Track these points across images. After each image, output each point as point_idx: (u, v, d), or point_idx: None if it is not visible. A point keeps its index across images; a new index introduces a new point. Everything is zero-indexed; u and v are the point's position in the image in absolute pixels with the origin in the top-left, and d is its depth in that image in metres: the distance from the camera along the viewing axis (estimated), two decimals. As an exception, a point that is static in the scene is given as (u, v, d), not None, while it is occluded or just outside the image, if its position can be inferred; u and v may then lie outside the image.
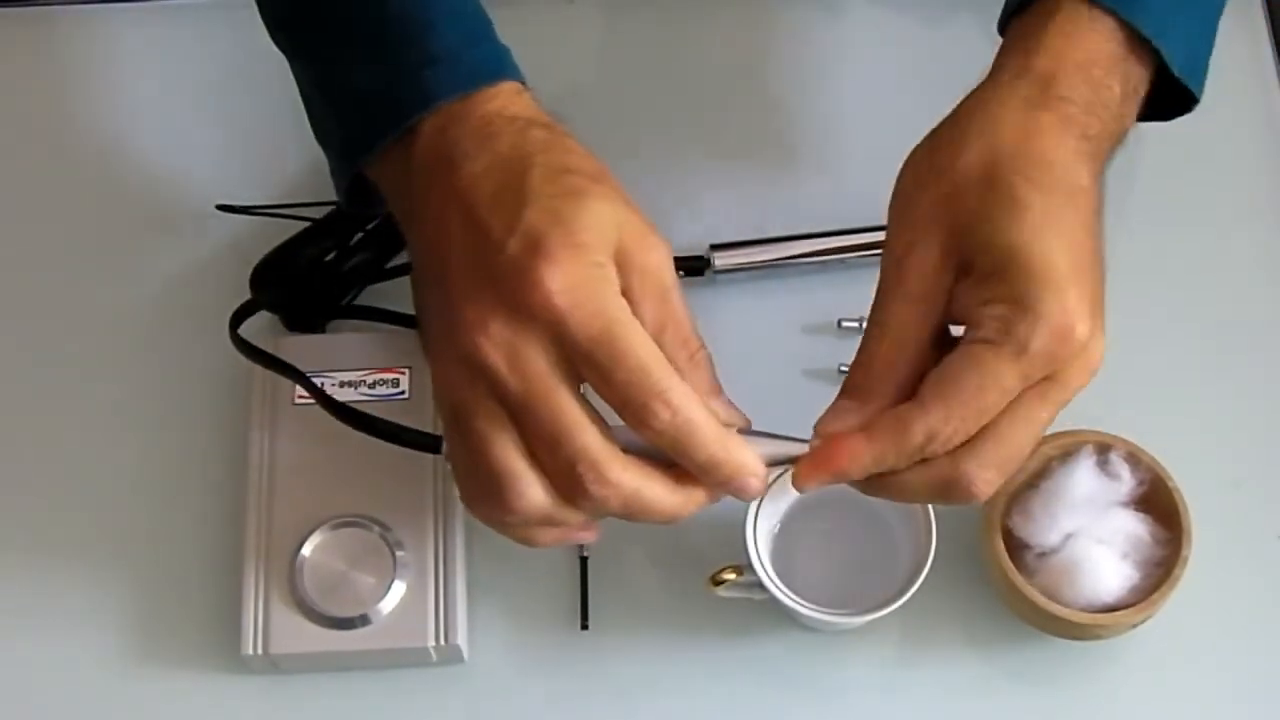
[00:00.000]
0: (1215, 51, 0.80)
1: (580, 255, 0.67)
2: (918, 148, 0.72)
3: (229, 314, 0.89)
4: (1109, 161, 0.73)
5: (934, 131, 0.72)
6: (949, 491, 0.69)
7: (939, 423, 0.68)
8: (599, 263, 0.68)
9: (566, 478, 0.68)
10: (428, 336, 0.73)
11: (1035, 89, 0.71)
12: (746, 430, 0.72)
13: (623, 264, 0.69)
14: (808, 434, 0.71)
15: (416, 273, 0.75)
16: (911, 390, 0.70)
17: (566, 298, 0.66)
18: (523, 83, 0.75)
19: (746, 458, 0.69)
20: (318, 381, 0.86)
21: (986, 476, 0.69)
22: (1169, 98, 0.77)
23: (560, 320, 0.66)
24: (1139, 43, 0.73)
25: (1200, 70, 0.77)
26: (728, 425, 0.70)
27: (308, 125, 0.82)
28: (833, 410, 0.71)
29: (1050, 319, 0.66)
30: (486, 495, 0.70)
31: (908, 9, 1.01)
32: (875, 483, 0.71)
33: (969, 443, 0.68)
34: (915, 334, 0.70)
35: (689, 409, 0.68)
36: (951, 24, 1.01)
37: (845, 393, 0.71)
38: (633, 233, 0.69)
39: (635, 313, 0.69)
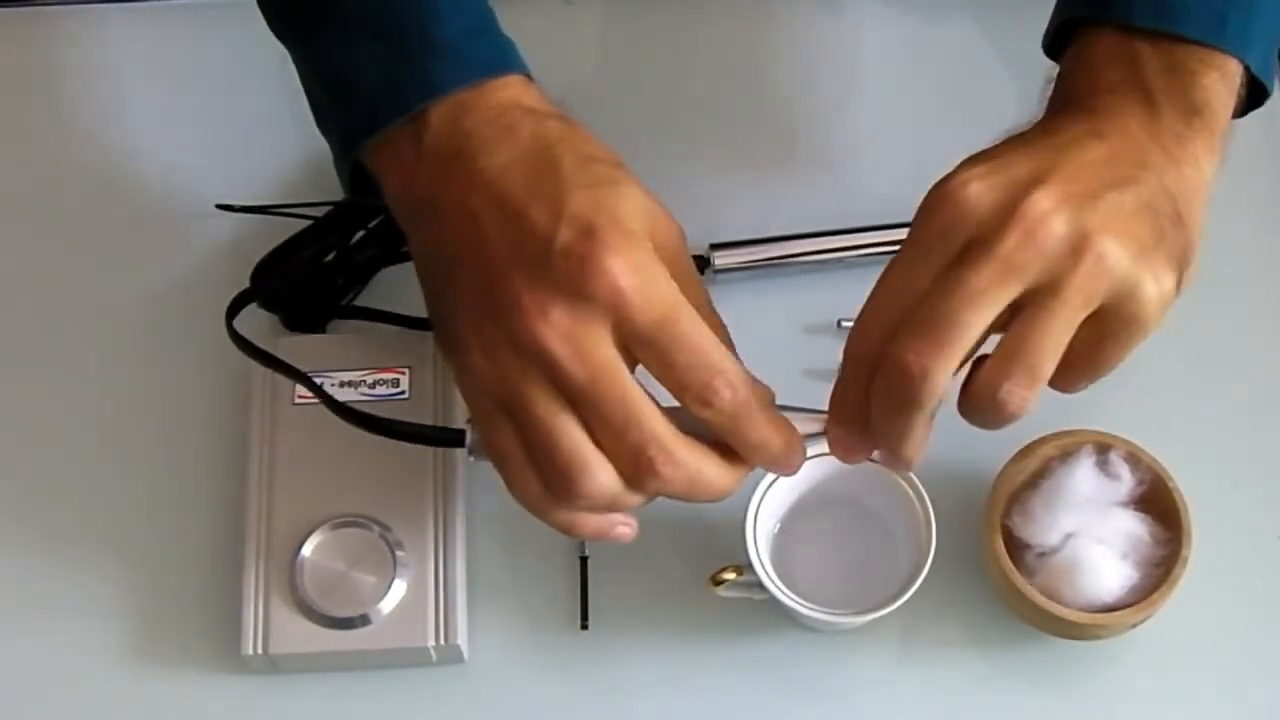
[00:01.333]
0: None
1: (633, 241, 0.68)
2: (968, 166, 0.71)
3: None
4: (1220, 141, 0.73)
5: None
6: (981, 410, 0.69)
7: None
8: (649, 248, 0.68)
9: (633, 461, 0.69)
10: (447, 330, 0.72)
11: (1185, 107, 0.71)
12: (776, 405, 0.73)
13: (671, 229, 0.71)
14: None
15: (429, 265, 0.75)
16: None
17: (630, 281, 0.67)
18: (529, 76, 0.75)
19: (793, 436, 0.71)
20: (318, 381, 0.86)
21: (1012, 388, 0.67)
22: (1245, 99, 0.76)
23: (624, 305, 0.67)
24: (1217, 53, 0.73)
25: (1270, 62, 0.76)
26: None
27: (308, 124, 0.82)
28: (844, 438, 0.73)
29: (1006, 207, 0.66)
30: (552, 483, 0.70)
31: (908, 8, 1.01)
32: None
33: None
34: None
35: (746, 388, 0.69)
36: (952, 23, 1.01)
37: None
38: (656, 217, 0.70)
39: None
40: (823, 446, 0.82)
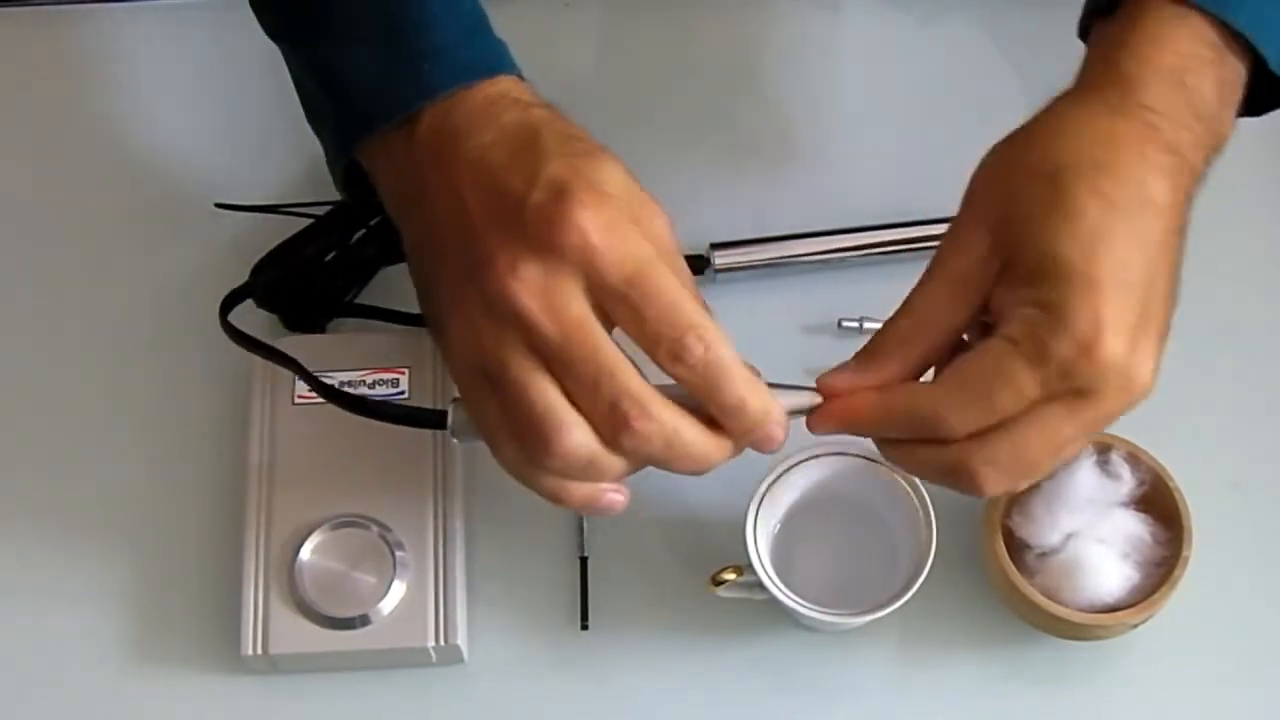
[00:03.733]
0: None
1: (607, 200, 0.68)
2: (998, 143, 0.71)
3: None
4: (1204, 175, 0.71)
5: (1016, 130, 0.71)
6: (954, 477, 0.69)
7: (946, 407, 0.67)
8: (623, 208, 0.68)
9: (609, 417, 0.68)
10: (434, 312, 0.73)
11: (1117, 95, 0.69)
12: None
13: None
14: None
15: (419, 253, 0.75)
16: (918, 370, 0.70)
17: (599, 236, 0.67)
18: (521, 77, 0.76)
19: (771, 404, 0.70)
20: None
21: (992, 473, 0.68)
22: (1261, 93, 0.74)
23: (593, 259, 0.67)
24: (1233, 40, 0.70)
25: None
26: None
27: (306, 123, 0.82)
28: (840, 370, 0.71)
29: (1075, 328, 0.65)
30: (527, 445, 0.69)
31: (906, 7, 1.01)
32: (888, 447, 0.72)
33: (982, 434, 0.68)
34: (940, 316, 0.70)
35: (721, 346, 0.68)
36: (952, 22, 1.01)
37: (857, 356, 0.72)
38: (638, 198, 0.70)
39: None
40: (825, 447, 0.82)
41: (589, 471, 0.70)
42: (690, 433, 0.69)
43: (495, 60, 0.75)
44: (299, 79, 0.82)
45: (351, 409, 0.79)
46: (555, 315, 0.67)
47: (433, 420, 0.76)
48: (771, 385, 0.71)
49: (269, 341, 0.86)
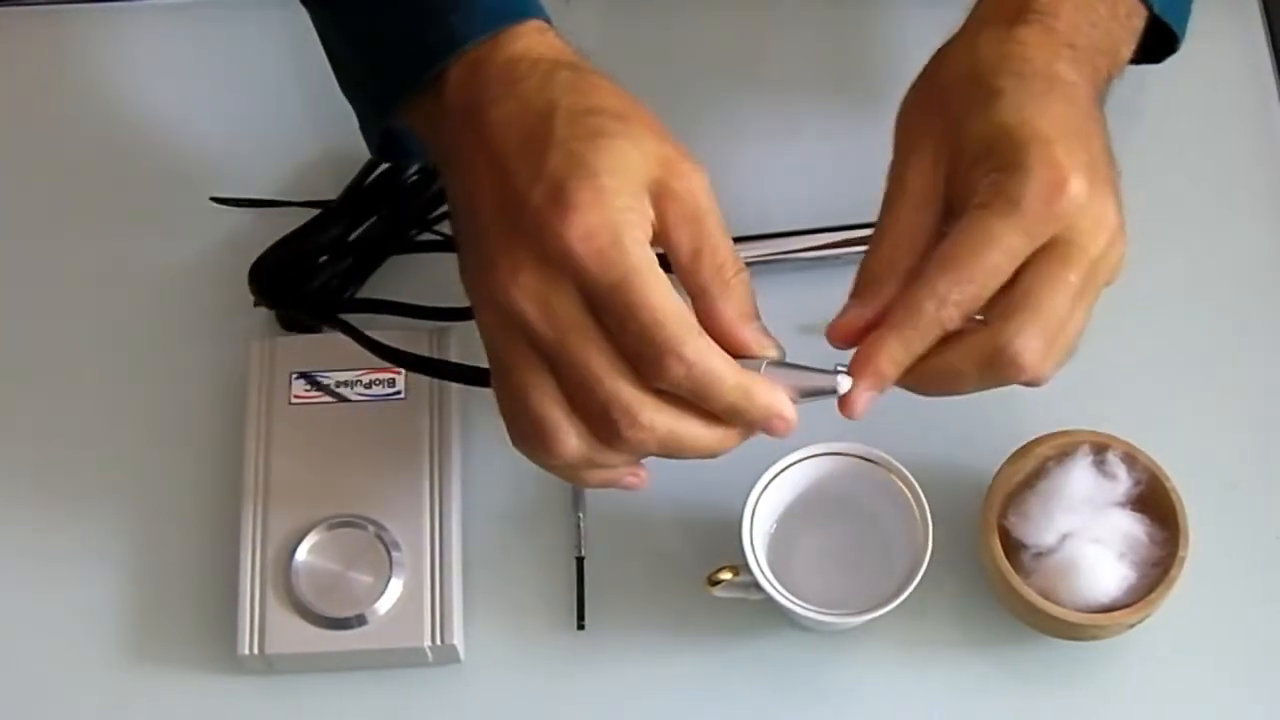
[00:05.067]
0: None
1: (602, 200, 0.67)
2: (916, 78, 0.75)
3: (224, 312, 0.89)
4: (1106, 85, 0.75)
5: (928, 61, 0.75)
6: (998, 366, 0.69)
7: (945, 288, 0.68)
8: (623, 206, 0.68)
9: (600, 422, 0.69)
10: (467, 283, 0.73)
11: (1015, 9, 0.74)
12: (779, 362, 0.72)
13: (657, 194, 0.69)
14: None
15: (454, 220, 0.76)
16: None
17: (584, 246, 0.67)
18: (548, 20, 0.75)
19: (770, 400, 0.70)
20: (314, 380, 0.86)
21: (1031, 344, 0.68)
22: (1158, 40, 0.80)
23: (579, 269, 0.67)
24: None
25: (1183, 9, 0.79)
26: (760, 354, 0.71)
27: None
28: (841, 313, 0.72)
29: (1037, 171, 0.68)
30: (528, 440, 0.71)
31: (906, 2, 1.01)
32: (924, 378, 0.71)
33: (1004, 311, 0.69)
34: (914, 234, 0.72)
35: (706, 361, 0.68)
36: (953, 13, 1.00)
37: (853, 294, 0.73)
38: (664, 161, 0.70)
39: (670, 239, 0.69)
40: (822, 447, 0.82)
41: (590, 468, 0.71)
42: (689, 430, 0.70)
43: (519, 5, 0.75)
44: (327, 42, 0.82)
45: (410, 366, 0.83)
46: (551, 320, 0.68)
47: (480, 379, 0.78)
48: (790, 366, 0.71)
49: (268, 340, 0.86)
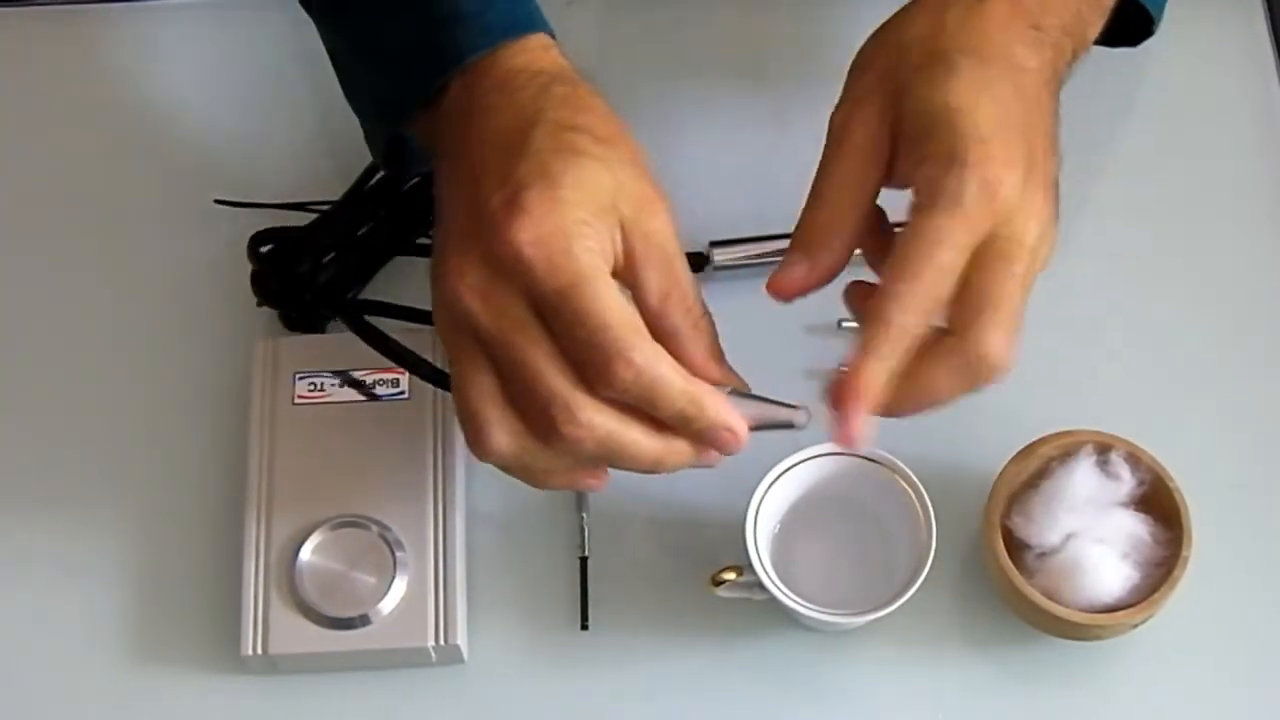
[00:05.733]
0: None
1: (557, 209, 0.68)
2: (876, 29, 0.75)
3: (228, 313, 0.89)
4: (1068, 68, 0.75)
5: (891, 16, 0.75)
6: (974, 372, 0.70)
7: (909, 295, 0.68)
8: (578, 219, 0.68)
9: (541, 419, 0.69)
10: (430, 281, 0.74)
11: None
12: (741, 393, 0.72)
13: (628, 230, 0.70)
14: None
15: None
16: (854, 245, 0.72)
17: (533, 250, 0.67)
18: (551, 34, 0.76)
19: (719, 412, 0.70)
20: (317, 382, 0.86)
21: (999, 344, 0.69)
22: (1134, 24, 0.81)
23: (525, 272, 0.67)
24: None
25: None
26: (721, 387, 0.71)
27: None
28: (782, 265, 0.73)
29: (974, 167, 0.68)
30: (464, 434, 0.71)
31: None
32: (908, 399, 0.71)
33: (965, 318, 0.69)
34: (856, 189, 0.72)
35: (654, 367, 0.68)
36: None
37: (792, 247, 0.73)
38: (635, 197, 0.70)
39: (639, 277, 0.70)
40: (826, 447, 0.82)
41: (530, 470, 0.72)
42: (629, 436, 0.70)
43: (524, 20, 0.76)
44: (333, 51, 0.82)
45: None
46: (495, 318, 0.68)
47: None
48: (753, 398, 0.72)
49: (271, 340, 0.86)
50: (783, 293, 0.72)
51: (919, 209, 0.69)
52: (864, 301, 0.71)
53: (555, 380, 0.68)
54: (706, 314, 0.72)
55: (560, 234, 0.67)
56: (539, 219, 0.67)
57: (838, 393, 0.69)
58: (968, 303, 0.69)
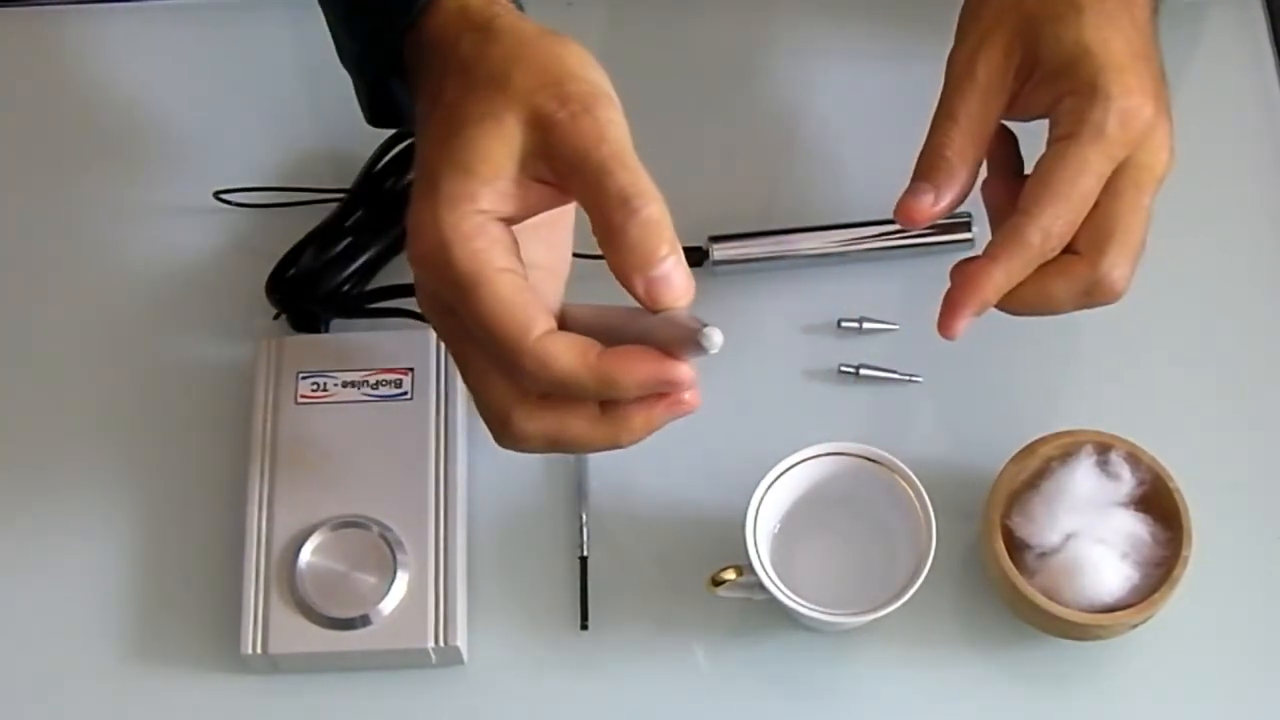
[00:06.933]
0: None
1: (455, 207, 0.66)
2: None
3: (230, 312, 0.89)
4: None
5: None
6: (1096, 294, 0.75)
7: (1049, 220, 0.73)
8: (462, 214, 0.66)
9: (492, 423, 0.70)
10: None
11: None
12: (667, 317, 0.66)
13: (546, 128, 0.66)
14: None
15: None
16: (977, 174, 0.77)
17: (420, 268, 0.68)
18: None
19: (632, 376, 0.65)
20: (320, 381, 0.86)
21: (1125, 272, 0.75)
22: None
23: (424, 273, 0.68)
24: None
25: None
26: (668, 306, 0.66)
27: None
28: (910, 191, 0.77)
29: (1117, 99, 0.73)
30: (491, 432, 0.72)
31: (908, 3, 1.01)
32: (1022, 302, 0.76)
33: (1096, 242, 0.74)
34: (980, 122, 0.76)
35: (552, 363, 0.65)
36: (954, 15, 1.00)
37: (919, 176, 0.77)
38: (547, 97, 0.67)
39: (572, 194, 0.67)
40: (826, 447, 0.82)
41: (567, 442, 0.70)
42: (576, 429, 0.68)
43: None
44: (328, 12, 0.81)
45: None
46: (432, 314, 0.71)
47: None
48: (671, 320, 0.65)
49: (275, 340, 0.86)
50: (914, 220, 0.76)
51: (1062, 139, 0.73)
52: (1001, 199, 0.77)
53: (492, 390, 0.69)
54: (648, 206, 0.65)
55: (438, 246, 0.66)
56: (422, 231, 0.67)
57: (959, 286, 0.74)
58: (1100, 227, 0.74)
